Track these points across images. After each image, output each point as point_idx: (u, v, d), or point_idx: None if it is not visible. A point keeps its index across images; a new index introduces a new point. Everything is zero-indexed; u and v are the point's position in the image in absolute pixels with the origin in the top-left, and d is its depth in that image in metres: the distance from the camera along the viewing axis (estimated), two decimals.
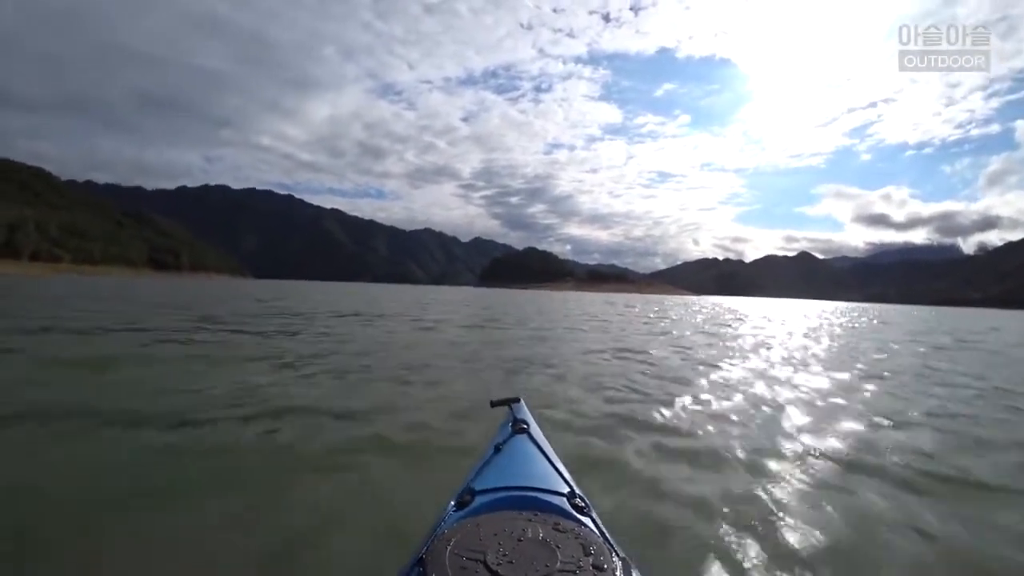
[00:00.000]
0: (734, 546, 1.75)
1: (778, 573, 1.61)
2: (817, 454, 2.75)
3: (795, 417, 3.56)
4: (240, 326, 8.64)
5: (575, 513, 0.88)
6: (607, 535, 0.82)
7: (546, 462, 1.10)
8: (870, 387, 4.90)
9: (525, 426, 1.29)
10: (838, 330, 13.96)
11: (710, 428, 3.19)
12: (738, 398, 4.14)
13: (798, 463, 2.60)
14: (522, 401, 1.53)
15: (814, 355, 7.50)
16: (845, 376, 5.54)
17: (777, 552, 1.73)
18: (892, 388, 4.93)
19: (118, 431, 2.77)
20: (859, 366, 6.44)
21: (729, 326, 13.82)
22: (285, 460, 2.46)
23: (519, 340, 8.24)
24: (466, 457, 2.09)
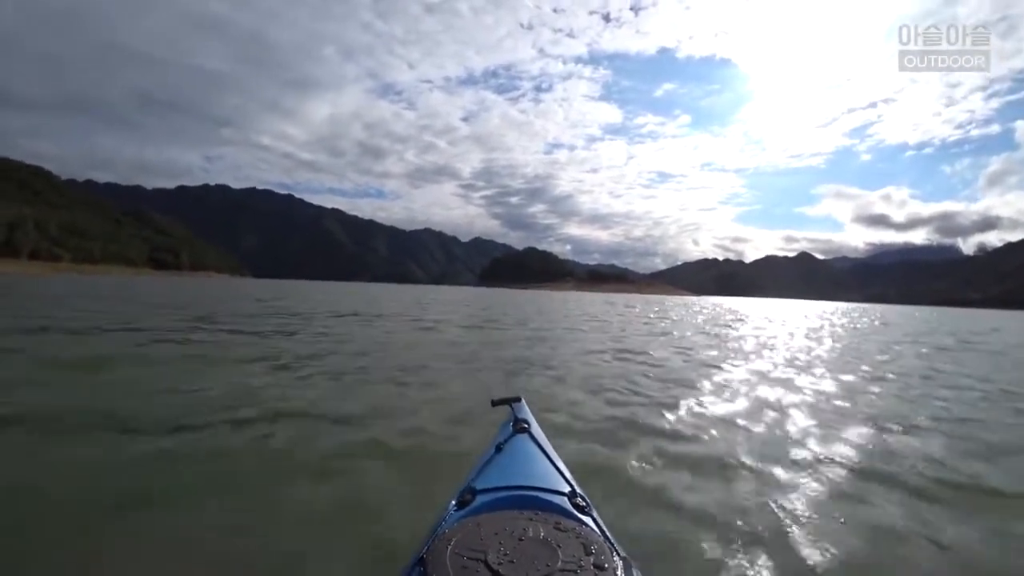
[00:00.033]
0: (741, 556, 1.70)
1: None
2: (825, 460, 2.68)
3: (801, 421, 3.49)
4: (238, 326, 8.58)
5: (576, 513, 0.88)
6: (608, 535, 0.82)
7: (547, 461, 1.10)
8: (875, 389, 4.84)
9: (526, 425, 1.29)
10: (840, 331, 13.90)
11: (714, 433, 3.12)
12: (742, 401, 4.08)
13: (806, 470, 2.53)
14: (523, 400, 1.53)
15: (817, 356, 7.44)
16: (849, 378, 5.47)
17: (787, 563, 1.67)
18: (897, 390, 4.87)
19: (112, 434, 2.71)
20: (863, 368, 6.38)
21: (730, 327, 13.76)
22: (281, 463, 2.42)
23: (519, 341, 8.18)
24: (464, 460, 2.06)
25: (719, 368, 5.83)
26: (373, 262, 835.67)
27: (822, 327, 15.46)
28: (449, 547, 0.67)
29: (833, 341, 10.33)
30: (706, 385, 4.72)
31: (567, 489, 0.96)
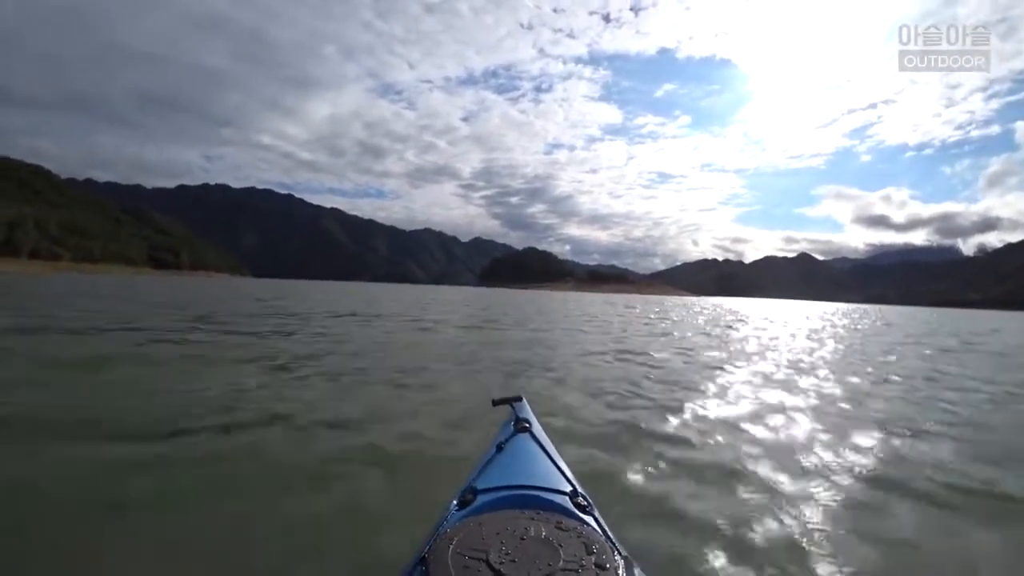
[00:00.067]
0: (747, 563, 1.65)
1: None
2: (833, 466, 2.62)
3: (807, 425, 3.43)
4: (237, 326, 8.53)
5: (577, 512, 0.88)
6: (609, 534, 0.82)
7: (548, 461, 1.10)
8: (881, 392, 4.78)
9: (527, 425, 1.28)
10: (841, 332, 13.85)
11: (719, 438, 3.06)
12: (746, 404, 4.01)
13: (813, 475, 2.47)
14: (524, 400, 1.52)
15: (821, 358, 7.39)
16: (854, 380, 5.41)
17: (795, 572, 1.62)
18: (903, 393, 4.82)
19: (106, 436, 2.66)
20: (867, 369, 6.32)
21: (731, 327, 13.71)
22: (278, 466, 2.39)
23: (518, 341, 8.13)
24: (464, 461, 2.02)
25: (721, 370, 5.77)
26: (373, 262, 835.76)
27: (823, 328, 15.40)
28: (451, 547, 0.67)
29: (835, 342, 10.28)
30: (709, 387, 4.66)
31: (568, 488, 0.96)
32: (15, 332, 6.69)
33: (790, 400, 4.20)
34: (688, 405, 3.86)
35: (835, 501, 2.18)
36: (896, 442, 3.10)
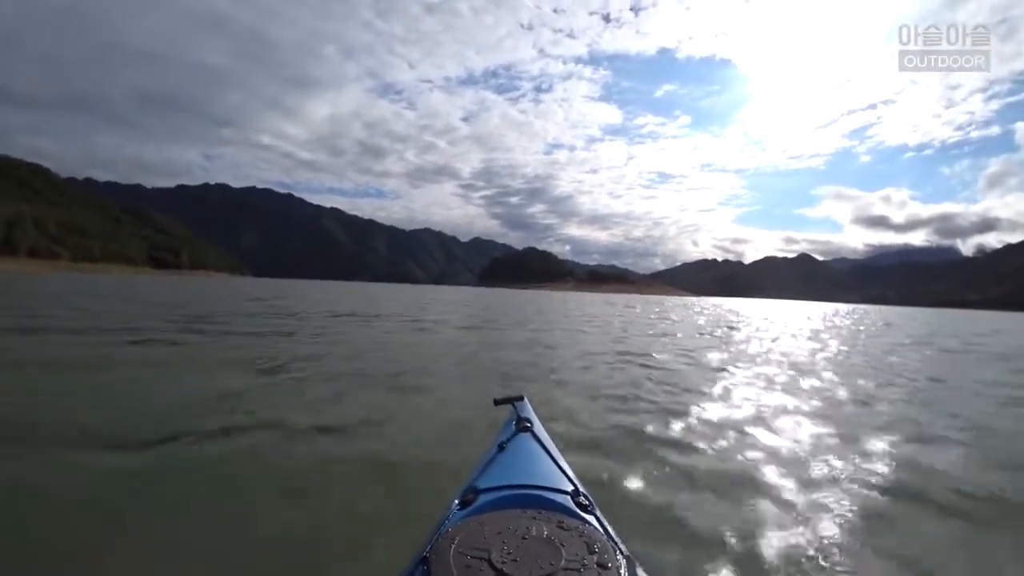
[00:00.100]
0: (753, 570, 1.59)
1: None
2: (847, 475, 2.53)
3: (816, 430, 3.36)
4: (235, 327, 8.48)
5: (579, 511, 0.88)
6: (611, 533, 0.82)
7: (550, 460, 1.10)
8: (888, 395, 4.71)
9: (528, 424, 1.28)
10: (844, 333, 13.81)
11: (723, 442, 2.99)
12: (751, 408, 3.94)
13: (820, 481, 2.41)
14: (525, 399, 1.52)
15: (825, 359, 7.33)
16: (860, 382, 5.35)
17: None
18: (911, 395, 4.76)
19: (100, 441, 2.59)
20: (873, 371, 6.27)
21: (733, 328, 13.66)
22: (278, 467, 2.37)
23: (518, 342, 8.07)
24: (464, 462, 2.00)
25: (724, 371, 5.72)
26: (373, 262, 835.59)
27: (825, 329, 15.36)
28: (452, 546, 0.66)
29: (837, 344, 10.23)
30: (712, 390, 4.60)
31: (570, 488, 0.96)
32: (14, 332, 6.64)
33: (795, 403, 4.14)
34: (691, 408, 3.80)
35: (845, 508, 2.12)
36: (905, 447, 3.03)
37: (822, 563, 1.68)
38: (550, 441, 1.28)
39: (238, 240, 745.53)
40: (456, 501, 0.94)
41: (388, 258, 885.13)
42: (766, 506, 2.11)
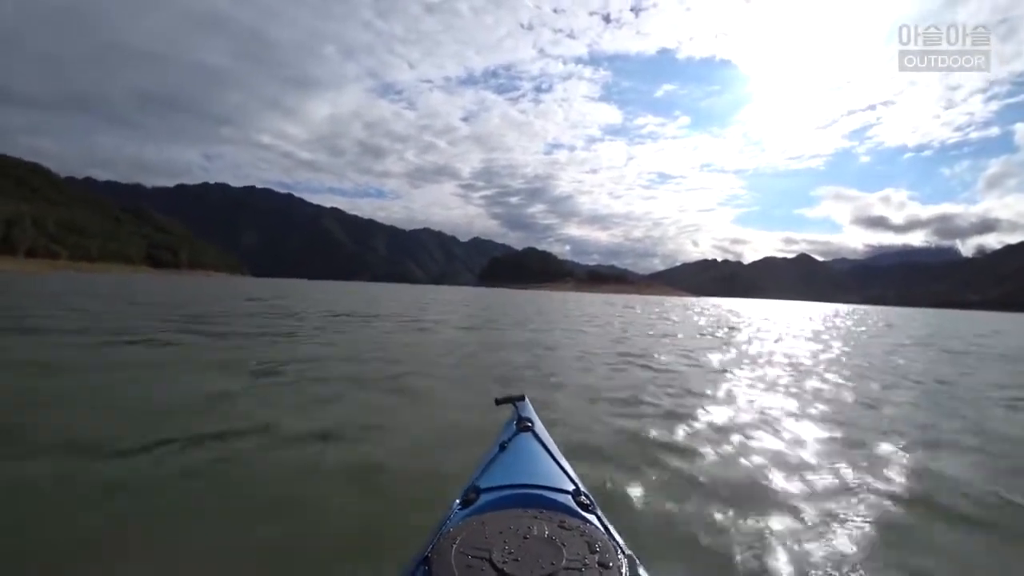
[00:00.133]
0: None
1: None
2: (855, 481, 2.48)
3: (821, 434, 3.32)
4: (234, 327, 8.44)
5: (580, 511, 0.88)
6: (612, 532, 0.82)
7: (551, 460, 1.10)
8: (894, 398, 4.67)
9: (530, 424, 1.29)
10: (845, 334, 13.77)
11: (727, 447, 2.94)
12: (757, 411, 3.89)
13: (835, 491, 2.36)
14: (527, 399, 1.52)
15: (827, 361, 7.29)
16: (865, 385, 5.30)
17: None
18: (918, 399, 4.71)
19: (88, 445, 2.55)
20: (876, 373, 6.23)
21: (734, 329, 13.62)
22: (278, 468, 2.35)
23: (518, 342, 8.03)
24: (465, 462, 1.93)
25: (726, 373, 5.68)
26: (372, 261, 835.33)
27: (826, 330, 15.32)
28: (454, 546, 0.67)
29: (840, 344, 10.19)
30: (714, 392, 4.56)
31: (571, 487, 0.96)
32: (12, 333, 6.59)
33: (799, 405, 4.10)
34: (693, 410, 3.76)
35: (846, 510, 2.09)
36: (914, 452, 2.99)
37: (831, 572, 1.64)
38: (551, 441, 1.28)
39: (238, 240, 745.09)
40: (457, 501, 0.94)
41: (388, 258, 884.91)
42: (772, 512, 2.08)
